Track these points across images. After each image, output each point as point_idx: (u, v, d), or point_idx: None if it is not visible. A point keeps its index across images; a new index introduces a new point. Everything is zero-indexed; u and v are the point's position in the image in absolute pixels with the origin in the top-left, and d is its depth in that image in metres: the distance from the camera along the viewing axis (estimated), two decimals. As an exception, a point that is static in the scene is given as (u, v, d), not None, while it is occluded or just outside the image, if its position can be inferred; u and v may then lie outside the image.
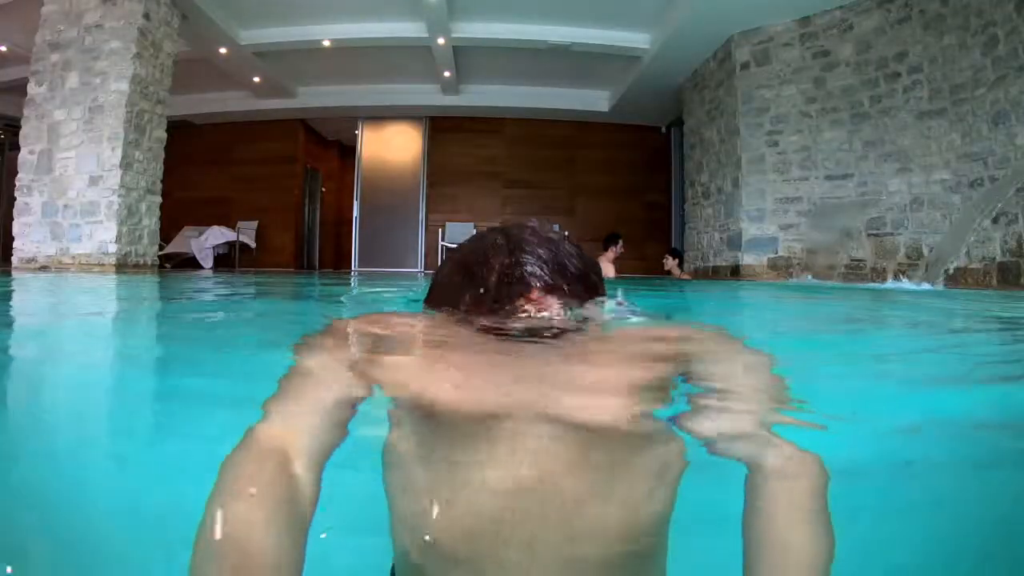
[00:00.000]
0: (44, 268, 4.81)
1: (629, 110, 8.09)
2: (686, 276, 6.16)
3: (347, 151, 10.42)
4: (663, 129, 8.86)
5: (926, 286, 3.79)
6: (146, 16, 4.98)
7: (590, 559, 0.52)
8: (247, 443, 0.48)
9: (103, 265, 4.77)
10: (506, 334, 0.59)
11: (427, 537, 0.52)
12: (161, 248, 5.87)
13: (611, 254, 5.57)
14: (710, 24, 5.60)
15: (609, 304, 0.70)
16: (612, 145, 8.80)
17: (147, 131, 5.12)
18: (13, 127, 6.25)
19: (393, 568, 0.59)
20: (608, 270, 5.50)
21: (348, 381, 0.58)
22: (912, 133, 4.64)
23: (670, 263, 6.04)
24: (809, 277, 5.11)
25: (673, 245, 8.00)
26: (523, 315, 0.58)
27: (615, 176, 8.81)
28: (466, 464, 0.54)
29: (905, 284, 4.06)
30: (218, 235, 7.92)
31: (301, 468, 0.47)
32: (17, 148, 5.13)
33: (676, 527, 0.52)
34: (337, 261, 10.44)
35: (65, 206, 4.87)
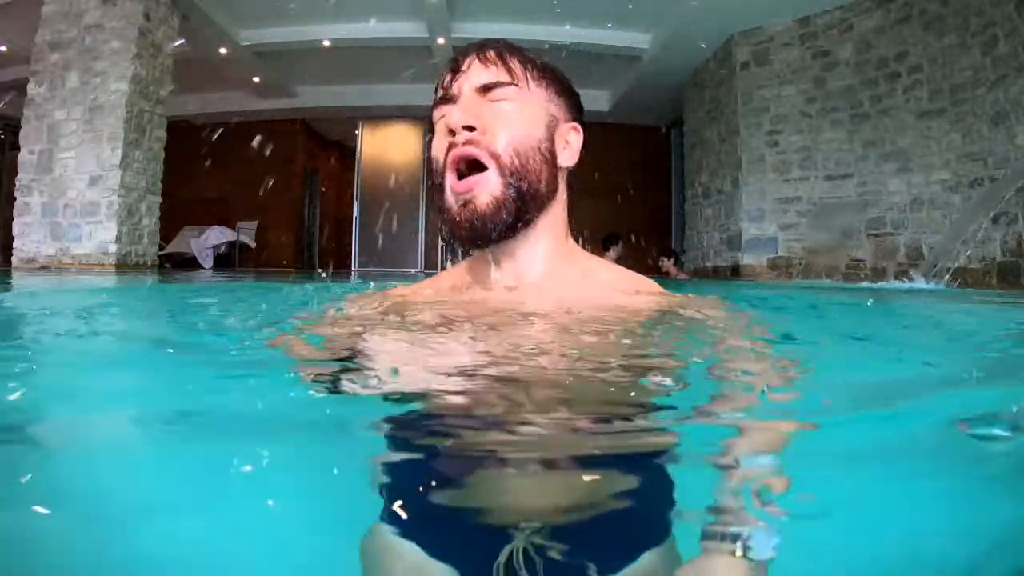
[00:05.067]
0: (44, 268, 4.81)
1: (629, 110, 8.10)
2: (684, 276, 6.12)
3: (347, 151, 10.41)
4: (663, 129, 8.86)
5: (933, 284, 3.79)
6: (146, 16, 4.98)
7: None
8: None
9: (103, 265, 4.77)
10: None
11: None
12: (161, 248, 5.87)
13: (612, 254, 5.55)
14: (710, 24, 5.60)
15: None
16: (612, 145, 8.78)
17: (147, 131, 5.11)
18: (13, 127, 6.24)
19: None
20: None
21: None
22: (912, 133, 4.63)
23: (667, 264, 5.98)
24: (824, 279, 5.04)
25: (673, 245, 7.98)
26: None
27: (615, 176, 8.78)
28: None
29: (913, 283, 4.05)
30: (218, 235, 7.91)
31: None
32: (17, 148, 5.13)
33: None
34: (337, 261, 10.44)
35: (65, 206, 4.87)
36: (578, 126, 0.80)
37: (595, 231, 7.20)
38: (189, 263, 7.67)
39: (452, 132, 0.70)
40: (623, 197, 8.83)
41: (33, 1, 5.02)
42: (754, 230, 5.61)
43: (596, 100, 8.21)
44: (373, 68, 7.52)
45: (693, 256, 6.75)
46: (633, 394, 0.53)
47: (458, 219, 0.69)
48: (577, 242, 0.82)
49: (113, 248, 4.78)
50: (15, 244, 4.95)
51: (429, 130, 0.78)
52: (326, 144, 10.42)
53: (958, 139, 4.29)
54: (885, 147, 4.85)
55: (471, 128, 0.69)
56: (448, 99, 0.74)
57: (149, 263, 5.21)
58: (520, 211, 0.69)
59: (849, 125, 5.12)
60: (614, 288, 0.79)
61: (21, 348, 0.81)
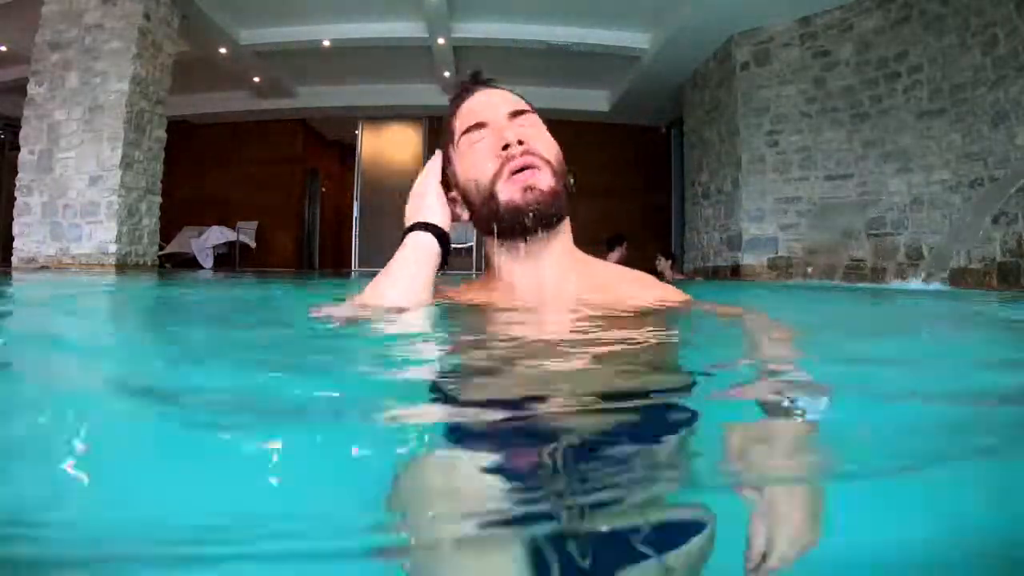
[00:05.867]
0: (44, 268, 4.81)
1: (629, 110, 8.09)
2: (680, 277, 6.10)
3: (347, 151, 10.41)
4: (663, 129, 8.86)
5: (935, 285, 3.79)
6: (146, 16, 4.98)
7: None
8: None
9: (103, 265, 4.77)
10: None
11: None
12: (161, 248, 5.87)
13: (616, 255, 5.51)
14: (710, 24, 5.60)
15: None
16: (612, 145, 8.78)
17: (147, 131, 5.11)
18: (13, 127, 6.24)
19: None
20: None
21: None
22: (912, 133, 4.63)
23: (662, 264, 5.95)
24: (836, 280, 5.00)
25: (673, 245, 7.98)
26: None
27: (615, 176, 8.79)
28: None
29: (910, 284, 4.05)
30: (218, 235, 7.91)
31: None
32: (17, 148, 5.12)
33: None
34: (337, 261, 10.44)
35: (65, 206, 4.86)
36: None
37: (595, 231, 7.20)
38: (189, 263, 7.67)
39: (506, 147, 0.77)
40: (623, 197, 8.84)
41: (33, 1, 5.02)
42: (754, 230, 5.61)
43: (596, 100, 8.20)
44: (373, 68, 7.52)
45: (693, 256, 6.75)
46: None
47: (523, 206, 0.76)
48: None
49: (113, 248, 4.78)
50: (15, 244, 4.95)
51: (445, 154, 0.85)
52: (326, 144, 10.42)
53: (958, 139, 4.29)
54: (885, 147, 4.85)
55: (522, 142, 0.78)
56: (481, 124, 0.81)
57: (149, 263, 5.21)
58: (563, 205, 0.80)
59: (849, 125, 5.11)
60: (619, 283, 0.88)
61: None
